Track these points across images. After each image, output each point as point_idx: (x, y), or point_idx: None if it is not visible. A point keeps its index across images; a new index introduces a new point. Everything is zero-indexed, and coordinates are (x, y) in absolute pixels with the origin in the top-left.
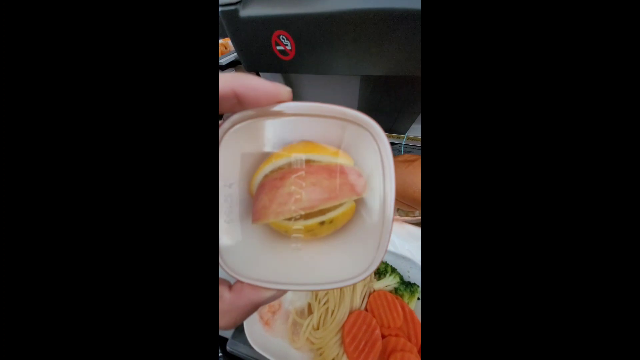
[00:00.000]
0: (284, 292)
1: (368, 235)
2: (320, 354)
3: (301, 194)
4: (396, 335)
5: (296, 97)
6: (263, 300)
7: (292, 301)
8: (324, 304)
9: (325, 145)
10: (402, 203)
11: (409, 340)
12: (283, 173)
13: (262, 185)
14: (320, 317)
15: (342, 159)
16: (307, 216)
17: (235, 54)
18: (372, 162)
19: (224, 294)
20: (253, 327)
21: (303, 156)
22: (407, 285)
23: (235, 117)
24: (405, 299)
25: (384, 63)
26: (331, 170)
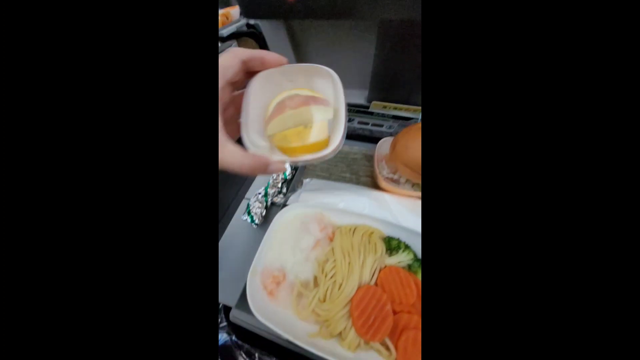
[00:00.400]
0: (284, 167)
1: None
2: (327, 327)
3: (290, 106)
4: (409, 312)
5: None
6: (270, 163)
7: (297, 273)
8: (331, 277)
9: (308, 88)
10: (418, 176)
11: None
12: (283, 102)
13: (272, 112)
14: (327, 289)
15: (316, 94)
16: (297, 125)
17: (237, 24)
18: (331, 96)
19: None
20: (257, 297)
21: (293, 92)
22: (420, 262)
23: (259, 74)
24: (419, 276)
25: (398, 5)
26: (309, 97)
